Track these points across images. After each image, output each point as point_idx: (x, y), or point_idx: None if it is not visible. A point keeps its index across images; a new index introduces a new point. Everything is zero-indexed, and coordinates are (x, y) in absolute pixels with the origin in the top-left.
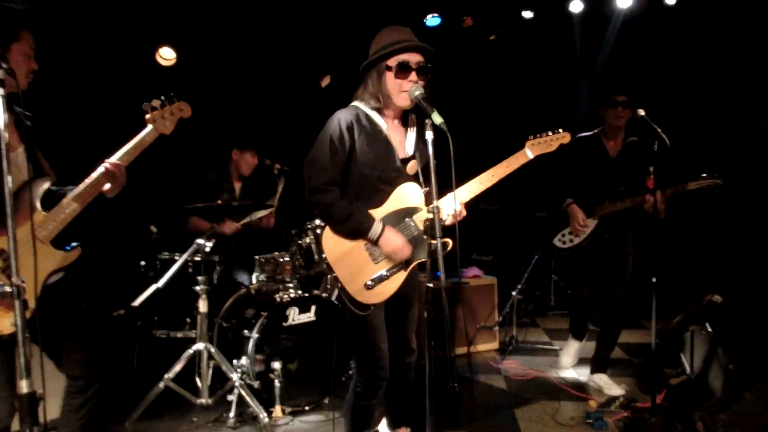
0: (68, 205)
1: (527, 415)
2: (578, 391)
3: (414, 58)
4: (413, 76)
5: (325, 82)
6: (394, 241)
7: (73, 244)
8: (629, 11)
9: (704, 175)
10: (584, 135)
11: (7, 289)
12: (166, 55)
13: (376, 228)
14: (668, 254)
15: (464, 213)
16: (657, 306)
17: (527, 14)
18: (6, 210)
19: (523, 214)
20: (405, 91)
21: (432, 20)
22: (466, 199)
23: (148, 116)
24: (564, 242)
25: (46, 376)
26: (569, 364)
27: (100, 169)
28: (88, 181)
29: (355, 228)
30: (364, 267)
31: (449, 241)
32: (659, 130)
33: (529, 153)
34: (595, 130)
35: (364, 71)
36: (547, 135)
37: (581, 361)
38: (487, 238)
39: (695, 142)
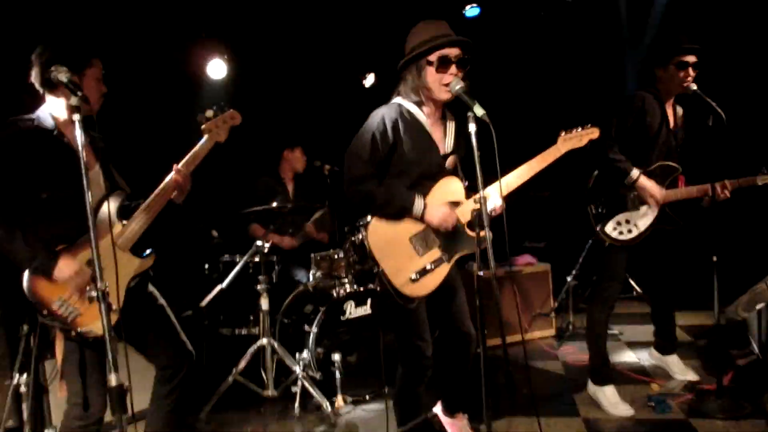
0: (141, 215)
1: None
2: (639, 374)
3: (453, 52)
4: (453, 69)
5: (369, 81)
6: (439, 211)
7: (148, 251)
8: None
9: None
10: (646, 91)
11: (93, 293)
12: (217, 69)
13: (419, 203)
14: (729, 232)
15: (503, 206)
16: (719, 286)
17: None
18: (89, 224)
19: (575, 200)
20: (446, 84)
21: (471, 11)
22: (504, 192)
23: (203, 127)
24: (621, 232)
25: (136, 372)
26: (682, 374)
27: (167, 179)
28: (156, 191)
29: (399, 207)
30: (408, 261)
31: (490, 233)
32: (714, 104)
33: (561, 147)
34: (648, 89)
35: (403, 68)
36: (578, 130)
37: (641, 345)
38: (538, 225)
39: (751, 128)
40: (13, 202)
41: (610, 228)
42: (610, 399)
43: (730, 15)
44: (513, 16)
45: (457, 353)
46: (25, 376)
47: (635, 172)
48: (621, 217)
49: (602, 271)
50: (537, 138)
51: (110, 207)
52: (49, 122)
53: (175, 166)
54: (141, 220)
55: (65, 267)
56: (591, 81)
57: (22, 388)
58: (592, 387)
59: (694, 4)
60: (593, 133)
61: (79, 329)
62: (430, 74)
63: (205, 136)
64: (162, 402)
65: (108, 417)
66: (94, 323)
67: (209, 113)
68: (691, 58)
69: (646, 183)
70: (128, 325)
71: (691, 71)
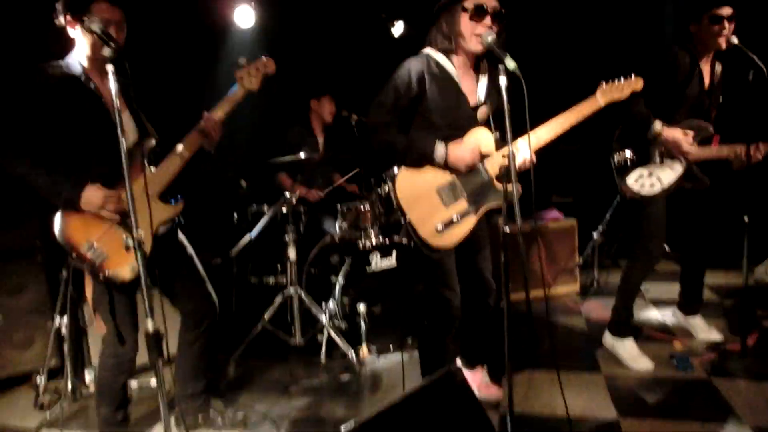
0: (171, 162)
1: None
2: (662, 332)
3: (490, 3)
4: (488, 20)
5: (398, 29)
6: (460, 151)
7: (177, 198)
8: None
9: None
10: (681, 47)
11: (130, 242)
12: (245, 17)
13: (440, 148)
14: (762, 193)
15: (534, 160)
16: (749, 247)
17: None
18: (122, 170)
19: (604, 154)
20: (478, 35)
21: None
22: (535, 146)
23: (236, 74)
24: (643, 185)
25: (172, 316)
26: (706, 335)
27: (196, 126)
28: (186, 138)
29: (420, 153)
30: (435, 211)
31: (520, 186)
32: (756, 58)
33: (600, 99)
34: (682, 45)
35: (437, 13)
36: (619, 81)
37: (666, 303)
38: (566, 179)
39: None
40: (38, 142)
41: (632, 180)
42: (631, 352)
43: None
44: None
45: (477, 305)
46: (65, 318)
47: (658, 124)
48: (644, 170)
49: (639, 228)
50: (575, 90)
51: (142, 152)
52: (77, 68)
53: (204, 114)
54: (171, 166)
55: (92, 196)
56: (630, 30)
57: (63, 330)
58: (610, 339)
59: None
60: (636, 83)
61: (106, 273)
62: (464, 22)
63: (237, 84)
64: (188, 349)
65: (143, 358)
66: (121, 267)
67: (242, 60)
68: (726, 11)
69: (671, 132)
70: (157, 272)
71: (726, 24)
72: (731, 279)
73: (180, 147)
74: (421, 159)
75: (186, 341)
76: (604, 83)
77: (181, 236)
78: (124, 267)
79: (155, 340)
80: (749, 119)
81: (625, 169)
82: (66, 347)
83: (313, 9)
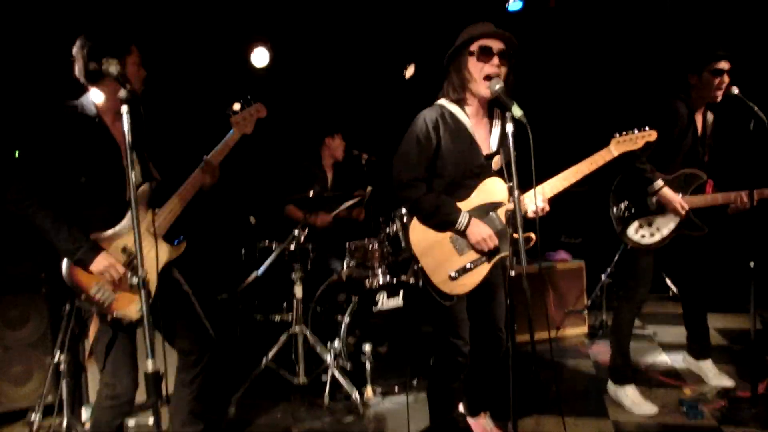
0: (172, 203)
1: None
2: (671, 378)
3: (496, 45)
4: (495, 60)
5: (410, 72)
6: (481, 231)
7: (180, 237)
8: None
9: None
10: (677, 98)
11: (135, 280)
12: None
13: (463, 219)
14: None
15: (547, 208)
16: (756, 291)
17: None
18: (130, 212)
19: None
20: (486, 77)
21: (514, 5)
22: (549, 195)
23: (231, 119)
24: (643, 235)
25: (172, 353)
26: (717, 380)
27: (196, 171)
28: (187, 181)
29: (443, 219)
30: (448, 259)
31: (533, 235)
32: (756, 108)
33: (613, 150)
34: (678, 95)
35: (449, 62)
36: (633, 133)
37: (675, 347)
38: (575, 220)
39: None
40: (58, 190)
41: (632, 230)
42: (633, 398)
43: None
44: (557, 11)
45: (487, 354)
46: (65, 353)
47: (659, 182)
48: (644, 220)
49: (629, 274)
50: (584, 137)
51: (144, 194)
52: (91, 110)
53: (205, 158)
54: (172, 208)
55: (102, 260)
56: (637, 79)
57: (62, 366)
58: (612, 387)
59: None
60: (650, 135)
61: (114, 314)
62: (472, 64)
63: (233, 129)
64: (185, 390)
65: (141, 397)
66: (128, 308)
67: (236, 107)
68: (726, 65)
69: (669, 194)
70: (154, 311)
71: (726, 78)
72: (740, 323)
73: (180, 190)
74: (444, 225)
75: (182, 381)
76: (618, 135)
77: (177, 274)
78: (131, 307)
79: (155, 380)
80: (750, 166)
81: (625, 219)
82: (64, 384)
83: (326, 51)
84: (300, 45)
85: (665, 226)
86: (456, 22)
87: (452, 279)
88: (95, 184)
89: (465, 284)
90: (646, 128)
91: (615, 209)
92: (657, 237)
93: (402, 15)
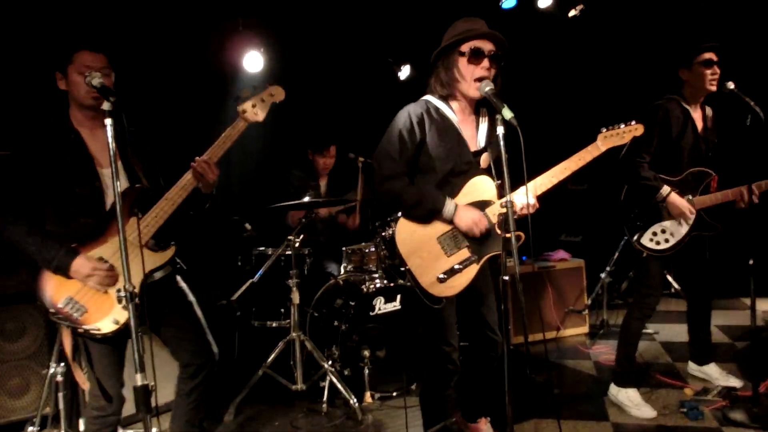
0: (159, 207)
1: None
2: (672, 378)
3: (487, 46)
4: (485, 62)
5: (404, 73)
6: (471, 215)
7: (170, 242)
8: None
9: None
10: (670, 99)
11: (121, 294)
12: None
13: (449, 206)
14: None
15: (537, 205)
16: (755, 289)
17: None
18: (114, 220)
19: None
20: (477, 79)
21: (507, 2)
22: (538, 192)
23: (238, 107)
24: (658, 242)
25: (165, 362)
26: (725, 381)
27: (187, 173)
28: (176, 184)
29: (429, 209)
30: (436, 260)
31: (522, 234)
32: (752, 103)
33: (601, 146)
34: (671, 96)
35: (437, 59)
36: (620, 127)
37: (676, 345)
38: (575, 218)
39: None
40: (32, 202)
41: (646, 239)
42: (634, 400)
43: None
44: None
45: (482, 359)
46: (62, 365)
47: (665, 189)
48: (657, 227)
49: (641, 281)
50: (574, 135)
51: (129, 200)
52: (65, 120)
53: (196, 158)
54: (158, 212)
55: (81, 266)
56: (630, 78)
57: (59, 377)
58: (614, 389)
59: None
60: (637, 129)
61: (85, 327)
62: (462, 66)
63: (239, 118)
64: (185, 400)
65: (131, 409)
66: (100, 322)
67: (245, 92)
68: (714, 56)
69: (677, 200)
70: (154, 319)
71: (716, 68)
72: (741, 320)
73: (168, 193)
74: (430, 214)
75: (182, 392)
76: (604, 129)
77: (182, 283)
78: (104, 321)
79: (144, 394)
80: (748, 162)
81: (638, 228)
82: (61, 396)
83: (321, 53)
84: (295, 48)
85: (678, 231)
86: (450, 21)
87: (441, 281)
88: (75, 196)
89: (454, 286)
90: (633, 122)
91: (627, 219)
92: (672, 242)
93: (396, 14)
